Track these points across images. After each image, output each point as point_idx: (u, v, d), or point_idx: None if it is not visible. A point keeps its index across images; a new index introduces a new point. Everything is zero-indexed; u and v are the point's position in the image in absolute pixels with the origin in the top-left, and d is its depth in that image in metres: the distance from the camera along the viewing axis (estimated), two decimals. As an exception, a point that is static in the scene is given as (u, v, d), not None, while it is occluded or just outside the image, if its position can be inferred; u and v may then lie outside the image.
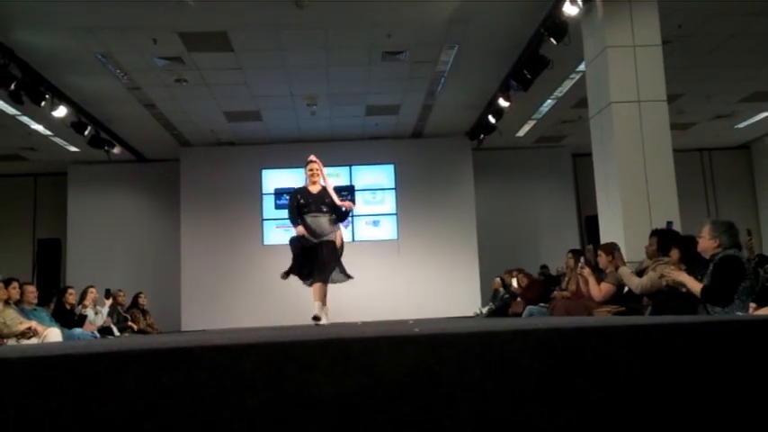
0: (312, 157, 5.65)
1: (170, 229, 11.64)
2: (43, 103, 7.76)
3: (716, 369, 1.55)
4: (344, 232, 5.68)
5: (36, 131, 10.05)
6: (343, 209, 5.51)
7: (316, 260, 5.35)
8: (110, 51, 7.56)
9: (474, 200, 11.61)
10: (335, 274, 5.46)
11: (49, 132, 10.16)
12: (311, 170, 5.56)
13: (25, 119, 9.40)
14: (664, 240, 4.81)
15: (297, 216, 5.47)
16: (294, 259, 5.51)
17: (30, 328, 5.39)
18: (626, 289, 5.33)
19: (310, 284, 5.42)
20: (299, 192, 5.60)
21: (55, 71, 7.90)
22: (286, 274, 5.55)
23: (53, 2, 6.32)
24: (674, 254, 4.42)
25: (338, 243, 5.54)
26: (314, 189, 5.55)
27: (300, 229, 5.39)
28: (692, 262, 4.24)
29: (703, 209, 12.47)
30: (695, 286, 3.84)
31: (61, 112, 8.42)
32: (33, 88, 7.51)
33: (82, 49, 7.42)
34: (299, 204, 5.50)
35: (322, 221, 5.41)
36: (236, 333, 2.74)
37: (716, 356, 1.56)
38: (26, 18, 6.63)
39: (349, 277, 5.52)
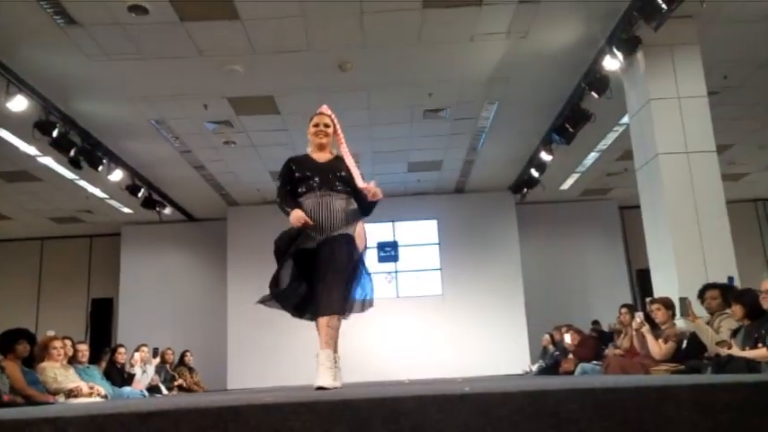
0: (324, 109, 3.60)
1: (217, 287, 11.82)
2: (100, 168, 8.14)
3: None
4: (365, 230, 3.52)
5: (93, 195, 10.50)
6: (368, 196, 3.34)
7: (319, 277, 3.21)
8: (163, 117, 7.92)
9: (519, 254, 11.46)
10: (355, 303, 3.32)
11: (104, 195, 10.60)
12: (317, 125, 3.50)
13: (83, 183, 9.85)
14: (726, 294, 4.64)
15: (290, 198, 3.42)
16: (280, 273, 3.31)
17: (78, 387, 5.49)
18: (684, 346, 5.10)
19: (311, 319, 3.33)
20: (294, 161, 3.50)
21: (112, 137, 8.31)
22: (270, 299, 3.38)
23: (112, 74, 6.71)
24: (738, 310, 4.24)
25: (360, 244, 3.43)
26: (320, 156, 3.49)
27: (297, 214, 3.23)
28: (757, 316, 4.07)
29: (761, 260, 11.97)
30: (763, 354, 3.71)
31: (117, 175, 8.81)
32: (91, 154, 7.90)
33: (138, 116, 7.81)
34: (293, 179, 3.43)
35: (334, 207, 3.32)
36: (284, 392, 2.72)
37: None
38: (87, 89, 7.04)
39: (369, 305, 3.40)
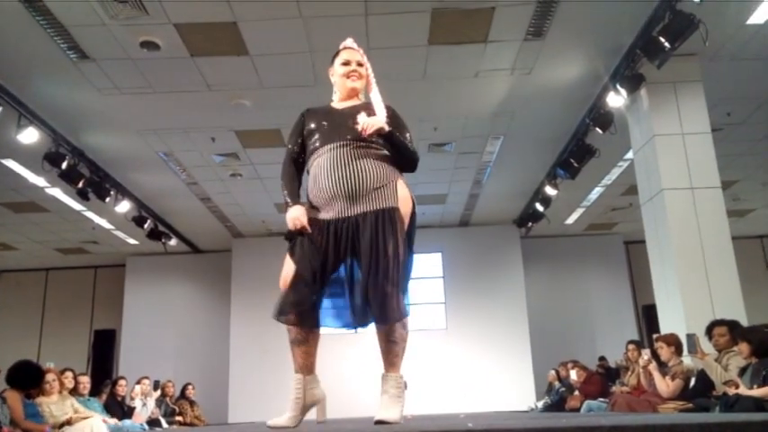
0: (351, 42, 2.74)
1: (221, 318, 11.77)
2: (108, 199, 8.20)
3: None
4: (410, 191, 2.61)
5: (99, 226, 10.56)
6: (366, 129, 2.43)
7: (361, 271, 2.37)
8: (171, 150, 8.02)
9: (524, 288, 11.40)
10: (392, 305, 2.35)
11: (111, 226, 10.65)
12: (347, 63, 2.65)
13: (90, 214, 9.91)
14: (734, 331, 4.61)
15: (293, 178, 2.57)
16: (295, 281, 2.36)
17: (72, 417, 5.46)
18: (692, 384, 5.04)
19: (355, 327, 2.48)
20: (310, 111, 2.67)
21: (120, 169, 8.40)
22: (281, 314, 2.38)
23: (123, 107, 6.82)
24: (744, 348, 4.20)
25: (406, 211, 2.50)
26: (343, 104, 2.64)
27: (295, 214, 2.41)
28: (764, 354, 4.03)
29: (766, 297, 11.86)
30: None
31: (124, 207, 8.87)
32: (99, 185, 7.96)
33: (146, 149, 7.90)
34: (308, 134, 2.57)
35: (357, 164, 2.43)
36: (287, 428, 2.67)
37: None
38: (97, 122, 7.14)
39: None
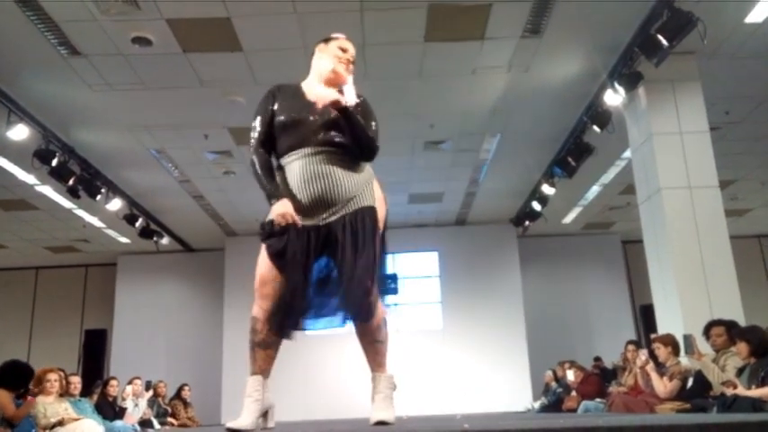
0: (342, 38, 2.62)
1: (213, 318, 11.68)
2: (99, 197, 8.09)
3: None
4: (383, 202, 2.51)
5: (90, 224, 10.46)
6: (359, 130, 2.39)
7: (340, 271, 2.31)
8: (163, 147, 7.93)
9: (521, 288, 11.36)
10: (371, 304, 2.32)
11: (102, 225, 10.56)
12: (344, 50, 2.54)
13: (81, 212, 9.81)
14: (732, 331, 4.57)
15: (271, 168, 2.48)
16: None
17: (63, 419, 5.37)
18: (689, 384, 5.00)
19: (285, 335, 2.49)
20: (281, 92, 2.53)
21: (111, 166, 8.30)
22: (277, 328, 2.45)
23: (114, 103, 6.73)
24: (742, 348, 4.16)
25: (381, 213, 2.46)
26: (317, 91, 2.44)
27: (283, 209, 2.32)
28: (762, 354, 3.99)
29: (765, 297, 11.86)
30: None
31: (115, 205, 8.77)
32: (90, 183, 7.86)
33: (138, 146, 7.81)
34: (278, 125, 2.46)
35: (335, 172, 2.36)
36: (279, 427, 2.61)
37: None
38: (88, 118, 7.06)
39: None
